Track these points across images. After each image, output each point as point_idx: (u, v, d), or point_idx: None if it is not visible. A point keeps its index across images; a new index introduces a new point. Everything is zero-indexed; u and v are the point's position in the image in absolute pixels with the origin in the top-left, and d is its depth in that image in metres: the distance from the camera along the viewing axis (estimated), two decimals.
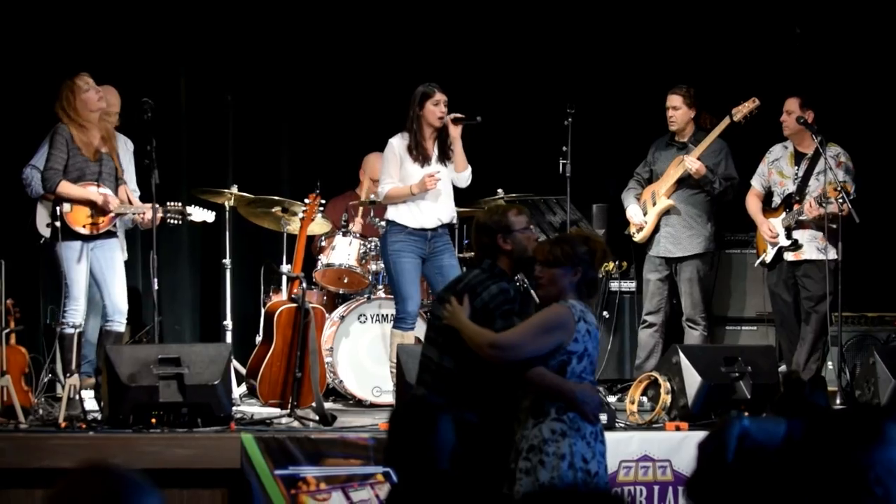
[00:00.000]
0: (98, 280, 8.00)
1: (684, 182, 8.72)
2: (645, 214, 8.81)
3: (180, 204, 8.21)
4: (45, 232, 8.39)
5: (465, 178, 8.11)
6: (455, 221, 8.40)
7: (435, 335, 5.47)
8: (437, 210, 8.07)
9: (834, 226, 8.33)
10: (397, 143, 8.10)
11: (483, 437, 5.14)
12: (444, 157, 8.08)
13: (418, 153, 8.04)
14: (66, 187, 7.83)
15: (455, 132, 8.02)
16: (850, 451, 2.77)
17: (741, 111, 8.66)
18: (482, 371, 5.20)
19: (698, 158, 8.64)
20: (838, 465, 2.77)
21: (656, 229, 8.78)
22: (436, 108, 8.02)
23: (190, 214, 8.28)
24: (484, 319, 5.24)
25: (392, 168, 8.10)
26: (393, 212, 8.11)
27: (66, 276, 7.85)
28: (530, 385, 5.16)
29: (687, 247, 8.72)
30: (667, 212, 8.77)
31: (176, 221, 8.24)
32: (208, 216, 8.50)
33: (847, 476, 2.74)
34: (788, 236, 8.58)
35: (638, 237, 8.84)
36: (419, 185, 7.98)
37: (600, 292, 5.14)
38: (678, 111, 8.78)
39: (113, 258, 8.03)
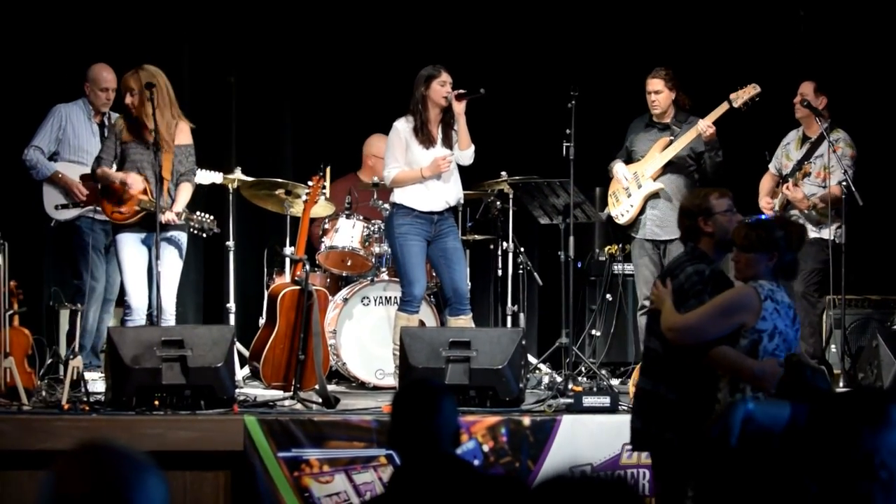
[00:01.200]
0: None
1: (671, 164, 8.70)
2: (629, 196, 8.77)
3: (211, 217, 7.92)
4: (54, 214, 8.40)
5: (468, 155, 8.07)
6: (461, 203, 8.36)
7: (649, 320, 5.66)
8: (446, 192, 8.03)
9: (822, 204, 8.41)
10: (402, 127, 8.04)
11: (684, 414, 5.32)
12: (449, 139, 8.05)
13: (424, 135, 8.00)
14: (103, 171, 7.82)
15: (459, 108, 7.97)
16: (855, 435, 2.76)
17: (741, 97, 8.57)
18: (684, 351, 5.31)
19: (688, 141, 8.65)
20: (842, 448, 2.76)
21: (641, 211, 8.74)
22: (441, 89, 7.97)
23: (216, 230, 8.02)
24: (678, 300, 5.35)
25: (398, 152, 8.04)
26: (400, 195, 8.04)
27: (120, 269, 7.91)
28: (714, 364, 5.23)
29: (674, 230, 8.68)
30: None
31: (196, 231, 7.93)
32: (216, 177, 8.49)
33: (851, 460, 2.73)
34: None
35: (622, 220, 8.80)
36: (431, 168, 7.94)
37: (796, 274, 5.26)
38: (660, 95, 8.74)
39: (159, 254, 7.69)
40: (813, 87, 8.66)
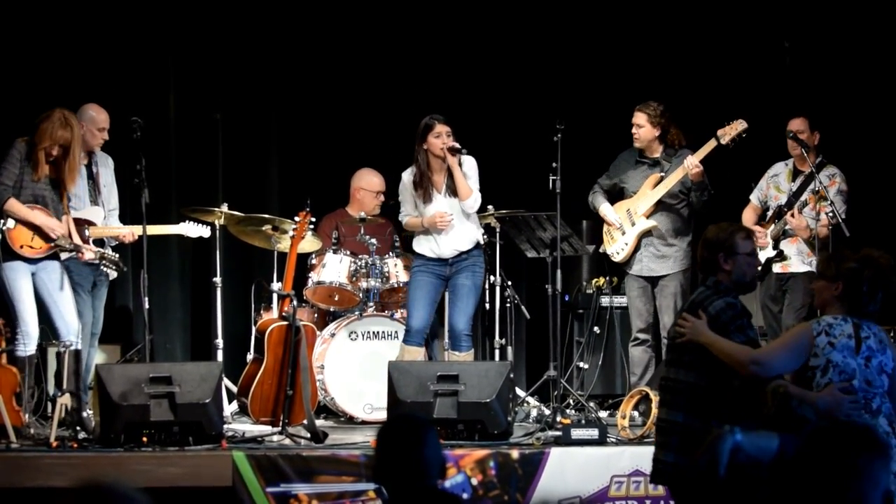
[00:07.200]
0: (46, 303, 7.71)
1: (662, 201, 8.71)
2: (623, 234, 8.78)
3: (118, 256, 7.95)
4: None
5: (469, 205, 8.20)
6: (482, 241, 8.36)
7: (675, 355, 5.51)
8: (454, 241, 8.23)
9: (819, 233, 8.42)
10: (406, 178, 8.32)
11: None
12: (453, 188, 8.14)
13: (423, 187, 8.21)
14: (13, 205, 7.60)
15: (452, 161, 8.09)
16: (843, 464, 2.77)
17: (728, 134, 8.55)
18: (731, 382, 5.25)
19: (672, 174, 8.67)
20: (830, 477, 2.77)
21: (636, 248, 8.76)
22: (437, 141, 8.11)
23: (124, 269, 8.08)
24: (719, 334, 5.29)
25: (407, 200, 8.33)
26: (415, 244, 8.35)
27: (13, 297, 7.62)
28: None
29: (671, 264, 8.69)
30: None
31: (109, 270, 8.01)
32: (203, 232, 8.49)
33: (839, 488, 2.75)
34: (775, 247, 8.61)
35: (618, 258, 8.82)
36: (429, 221, 8.18)
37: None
38: (641, 129, 8.74)
39: (58, 279, 7.72)
40: (806, 123, 8.65)
